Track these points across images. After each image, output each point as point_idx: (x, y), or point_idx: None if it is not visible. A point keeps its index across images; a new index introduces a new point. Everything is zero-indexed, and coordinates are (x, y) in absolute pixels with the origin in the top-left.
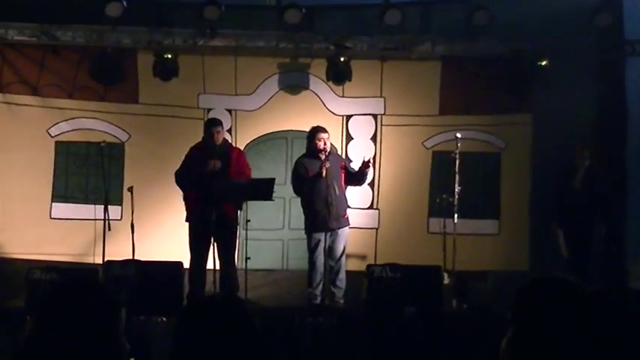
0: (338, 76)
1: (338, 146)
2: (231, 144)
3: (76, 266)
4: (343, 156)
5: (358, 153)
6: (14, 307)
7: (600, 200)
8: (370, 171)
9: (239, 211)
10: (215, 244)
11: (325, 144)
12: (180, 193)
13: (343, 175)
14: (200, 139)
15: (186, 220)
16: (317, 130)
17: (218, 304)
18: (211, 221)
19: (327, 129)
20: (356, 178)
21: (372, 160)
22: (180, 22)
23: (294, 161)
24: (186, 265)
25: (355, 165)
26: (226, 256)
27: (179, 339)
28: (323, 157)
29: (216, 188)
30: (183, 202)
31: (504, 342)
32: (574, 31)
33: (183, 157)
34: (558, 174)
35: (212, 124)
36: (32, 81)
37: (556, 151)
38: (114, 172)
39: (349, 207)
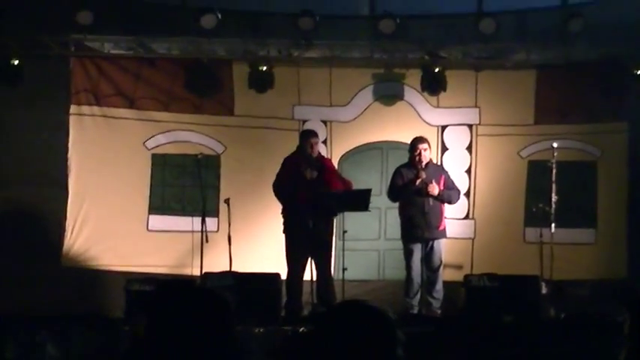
0: (433, 86)
1: (433, 157)
2: (322, 155)
3: (173, 278)
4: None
5: (453, 163)
6: (112, 318)
7: None
8: (455, 192)
9: (334, 222)
10: (312, 255)
11: (421, 155)
12: (279, 205)
13: (443, 186)
14: (294, 150)
15: (284, 232)
16: (415, 141)
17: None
18: (308, 232)
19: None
20: (439, 200)
21: (429, 188)
22: (274, 32)
23: (389, 172)
24: (284, 276)
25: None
26: (323, 266)
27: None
28: (419, 167)
29: (313, 199)
30: (281, 214)
31: (622, 354)
32: None
33: (277, 169)
34: None
35: (310, 135)
36: (129, 93)
37: None
38: (210, 184)
39: (446, 218)
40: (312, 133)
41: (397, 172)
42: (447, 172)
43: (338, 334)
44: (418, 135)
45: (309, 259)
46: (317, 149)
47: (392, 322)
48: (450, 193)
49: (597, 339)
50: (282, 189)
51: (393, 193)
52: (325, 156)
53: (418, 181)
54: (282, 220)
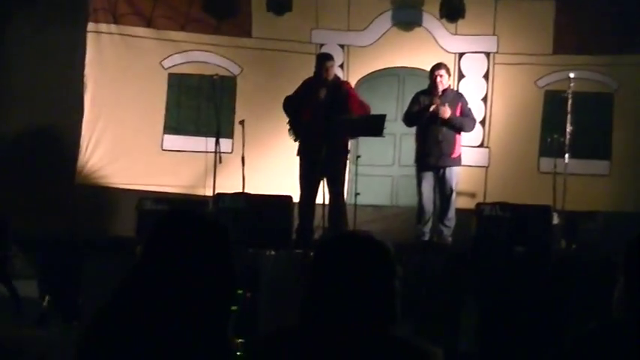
0: (451, 13)
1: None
2: (341, 79)
3: (186, 198)
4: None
5: (470, 91)
6: (125, 237)
7: None
8: (469, 120)
9: (349, 146)
10: (325, 179)
11: (437, 81)
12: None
13: (459, 114)
14: (312, 74)
15: (298, 154)
16: (433, 67)
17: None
18: (321, 156)
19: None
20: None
21: (440, 112)
22: None
23: (405, 98)
24: (296, 199)
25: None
26: (336, 190)
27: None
28: (434, 94)
29: (326, 123)
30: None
31: (616, 292)
32: None
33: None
34: None
35: (325, 58)
36: (146, 13)
37: None
38: (225, 106)
39: (462, 146)
40: (327, 56)
41: (414, 98)
42: (465, 100)
43: (336, 264)
44: (436, 62)
45: (322, 182)
46: (332, 72)
47: (390, 254)
48: (462, 121)
49: (606, 272)
50: (288, 105)
51: (408, 119)
52: (344, 79)
53: (432, 107)
54: (296, 143)
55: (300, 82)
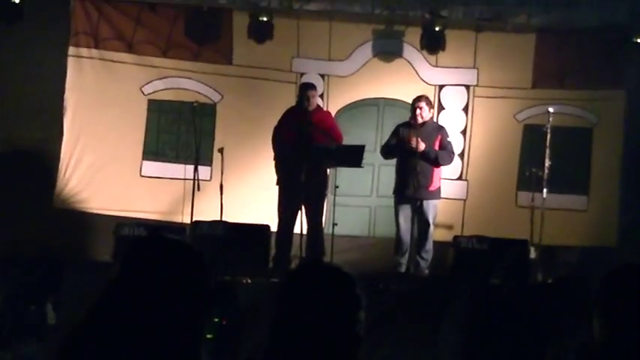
0: (432, 44)
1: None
2: (323, 109)
3: (164, 224)
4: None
5: (449, 123)
6: (102, 261)
7: None
8: (446, 153)
9: (328, 176)
10: (304, 208)
11: (417, 113)
12: (272, 156)
13: (438, 147)
14: (293, 103)
15: (277, 184)
16: (415, 99)
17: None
18: (300, 184)
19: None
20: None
21: (415, 144)
22: None
23: (384, 128)
24: (274, 227)
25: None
26: (314, 219)
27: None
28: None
29: (306, 151)
30: (274, 166)
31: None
32: None
33: (273, 121)
34: None
35: (307, 88)
36: (128, 37)
37: None
38: (205, 132)
39: (441, 178)
40: (309, 86)
41: (395, 130)
42: (445, 132)
43: (300, 294)
44: (415, 93)
45: (301, 211)
46: (314, 102)
47: (355, 285)
48: (438, 154)
49: (580, 303)
50: (274, 139)
51: (384, 151)
52: (325, 109)
53: (412, 142)
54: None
55: (280, 110)
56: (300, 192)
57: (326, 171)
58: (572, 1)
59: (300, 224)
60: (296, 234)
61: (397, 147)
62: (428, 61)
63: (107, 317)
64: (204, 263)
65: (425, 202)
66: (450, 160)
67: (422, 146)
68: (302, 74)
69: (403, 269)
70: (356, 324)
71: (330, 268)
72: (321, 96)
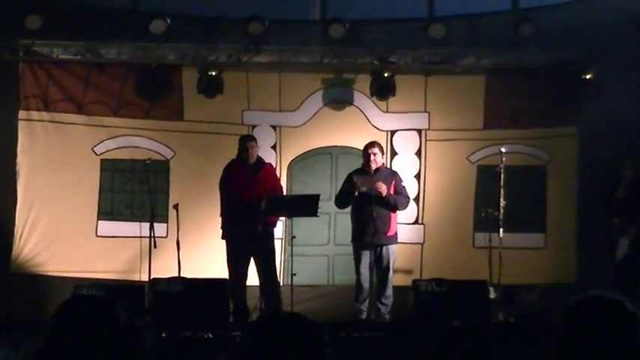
0: (382, 91)
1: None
2: (263, 161)
3: (122, 283)
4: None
5: (403, 168)
6: None
7: None
8: (403, 198)
9: (277, 225)
10: (255, 259)
11: (370, 160)
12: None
13: (393, 192)
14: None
15: (222, 237)
16: (367, 146)
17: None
18: (247, 236)
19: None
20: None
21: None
22: (224, 38)
23: (338, 177)
24: None
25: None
26: (267, 271)
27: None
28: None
29: (258, 203)
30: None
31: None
32: (620, 40)
33: None
34: (602, 185)
35: (246, 140)
36: (78, 99)
37: (602, 163)
38: (159, 190)
39: (397, 223)
40: (248, 138)
41: (347, 179)
42: (399, 178)
43: (265, 346)
44: (368, 140)
45: (250, 263)
46: (254, 153)
47: (319, 334)
48: (397, 198)
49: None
50: (221, 195)
51: (337, 199)
52: (267, 162)
53: (379, 184)
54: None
55: None
56: (247, 243)
57: (275, 221)
58: (521, 42)
59: (259, 276)
60: (255, 286)
61: (350, 195)
62: (379, 108)
63: None
64: (115, 311)
65: (384, 248)
66: (407, 205)
67: (384, 190)
68: (254, 126)
69: (364, 316)
70: None
71: (293, 318)
72: (274, 147)
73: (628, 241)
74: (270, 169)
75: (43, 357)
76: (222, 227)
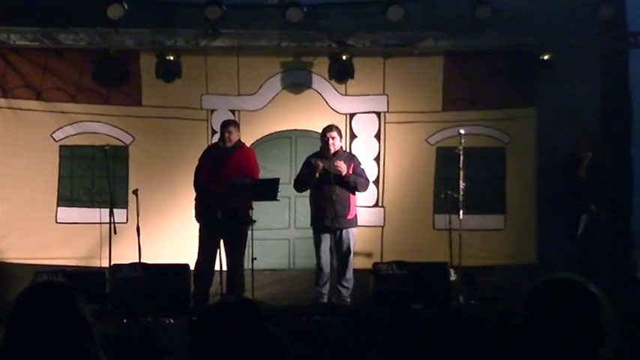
0: (340, 74)
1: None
2: (244, 147)
3: (82, 269)
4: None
5: (362, 151)
6: None
7: (605, 190)
8: (363, 179)
9: (251, 211)
10: (223, 244)
11: (329, 143)
12: (188, 194)
13: None
14: (205, 141)
15: (195, 217)
16: (324, 129)
17: (233, 308)
18: (217, 220)
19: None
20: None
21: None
22: (182, 22)
23: (298, 160)
24: (193, 266)
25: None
26: (234, 255)
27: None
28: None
29: (221, 188)
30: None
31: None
32: (577, 23)
33: (186, 159)
34: (562, 166)
35: (224, 125)
36: (36, 85)
37: (561, 143)
38: (119, 175)
39: (357, 206)
40: (226, 123)
41: (306, 162)
42: (357, 161)
43: (214, 332)
44: (327, 123)
45: (220, 248)
46: (232, 138)
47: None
48: (356, 179)
49: (506, 324)
50: (195, 179)
51: (297, 182)
52: (246, 146)
53: (339, 164)
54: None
55: (193, 148)
56: (218, 229)
57: (248, 208)
58: (478, 25)
59: (220, 261)
60: (217, 271)
61: (309, 177)
62: (337, 91)
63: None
64: (74, 297)
65: (344, 231)
66: (366, 186)
67: (344, 169)
68: (212, 111)
69: (325, 299)
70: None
71: (236, 304)
72: None
73: (587, 219)
74: (242, 153)
75: (5, 345)
76: (195, 209)
